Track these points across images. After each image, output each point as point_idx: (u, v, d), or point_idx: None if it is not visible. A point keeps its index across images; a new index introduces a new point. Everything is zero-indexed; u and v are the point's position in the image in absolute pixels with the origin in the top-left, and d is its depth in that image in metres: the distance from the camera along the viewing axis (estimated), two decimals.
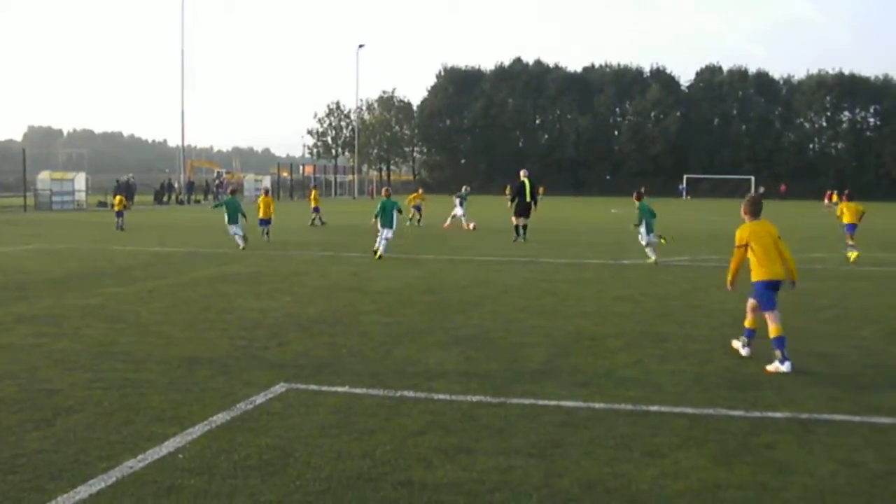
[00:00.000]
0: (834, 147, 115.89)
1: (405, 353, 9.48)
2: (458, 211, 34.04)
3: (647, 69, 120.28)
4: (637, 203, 20.55)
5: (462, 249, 22.86)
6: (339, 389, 7.79)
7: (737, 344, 9.80)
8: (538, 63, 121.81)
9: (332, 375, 8.36)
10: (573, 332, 10.87)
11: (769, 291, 9.29)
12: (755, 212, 9.64)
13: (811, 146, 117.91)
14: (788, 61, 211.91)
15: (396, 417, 6.89)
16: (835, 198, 64.85)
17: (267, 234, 25.70)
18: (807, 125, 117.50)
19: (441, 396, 7.58)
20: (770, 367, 8.94)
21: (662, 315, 12.47)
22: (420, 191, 39.55)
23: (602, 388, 7.93)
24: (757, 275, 9.37)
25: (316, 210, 35.68)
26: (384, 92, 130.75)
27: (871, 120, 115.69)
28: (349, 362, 9.00)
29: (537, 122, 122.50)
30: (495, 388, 7.86)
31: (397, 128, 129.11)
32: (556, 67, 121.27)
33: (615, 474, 5.66)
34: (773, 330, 9.06)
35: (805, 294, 14.82)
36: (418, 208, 36.02)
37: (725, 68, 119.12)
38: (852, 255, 21.50)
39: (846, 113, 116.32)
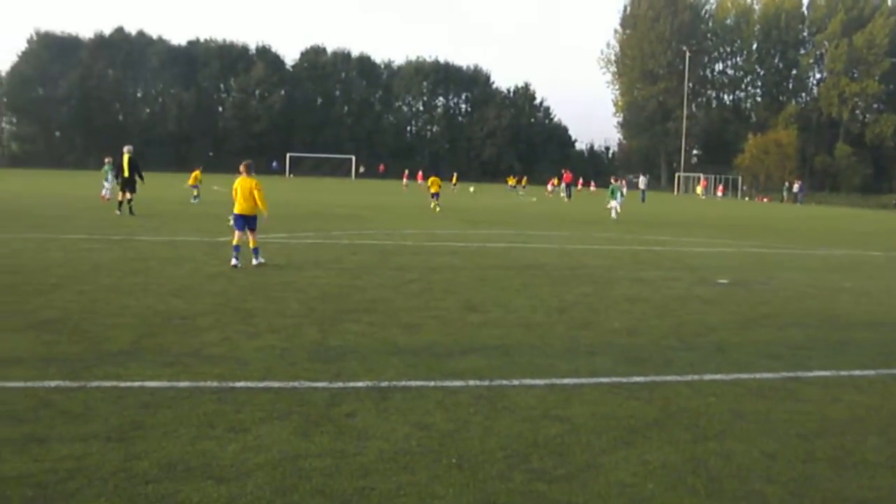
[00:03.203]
0: (430, 130, 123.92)
1: None
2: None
3: (252, 47, 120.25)
4: None
5: (49, 227, 21.50)
6: None
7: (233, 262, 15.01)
8: (141, 34, 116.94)
9: None
10: (163, 312, 10.61)
11: (241, 220, 15.38)
12: (248, 171, 15.53)
13: (409, 128, 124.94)
14: (390, 47, 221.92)
15: None
16: (556, 182, 74.34)
17: None
18: (405, 108, 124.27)
19: (14, 384, 7.12)
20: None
21: (255, 291, 12.54)
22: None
23: (188, 367, 7.84)
24: (236, 209, 15.46)
25: (195, 187, 37.68)
26: None
27: (463, 106, 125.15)
28: None
29: (139, 95, 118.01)
30: (75, 373, 7.50)
31: None
32: (160, 40, 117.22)
33: (196, 452, 5.65)
34: (236, 239, 15.32)
35: (395, 268, 15.68)
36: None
37: (330, 50, 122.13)
38: (437, 209, 35.53)
39: (441, 99, 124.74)
